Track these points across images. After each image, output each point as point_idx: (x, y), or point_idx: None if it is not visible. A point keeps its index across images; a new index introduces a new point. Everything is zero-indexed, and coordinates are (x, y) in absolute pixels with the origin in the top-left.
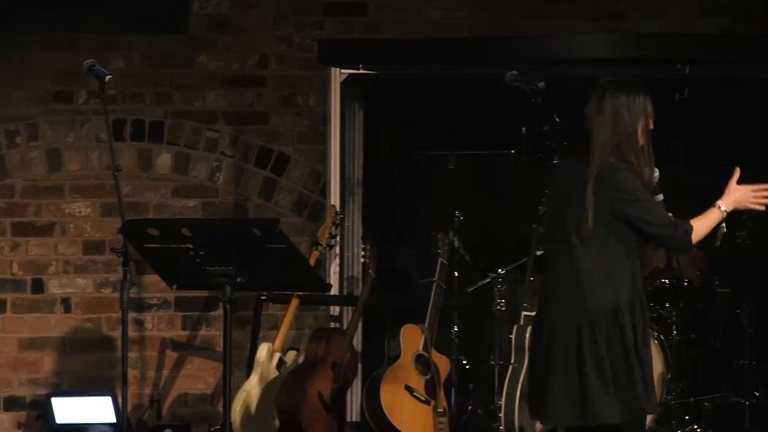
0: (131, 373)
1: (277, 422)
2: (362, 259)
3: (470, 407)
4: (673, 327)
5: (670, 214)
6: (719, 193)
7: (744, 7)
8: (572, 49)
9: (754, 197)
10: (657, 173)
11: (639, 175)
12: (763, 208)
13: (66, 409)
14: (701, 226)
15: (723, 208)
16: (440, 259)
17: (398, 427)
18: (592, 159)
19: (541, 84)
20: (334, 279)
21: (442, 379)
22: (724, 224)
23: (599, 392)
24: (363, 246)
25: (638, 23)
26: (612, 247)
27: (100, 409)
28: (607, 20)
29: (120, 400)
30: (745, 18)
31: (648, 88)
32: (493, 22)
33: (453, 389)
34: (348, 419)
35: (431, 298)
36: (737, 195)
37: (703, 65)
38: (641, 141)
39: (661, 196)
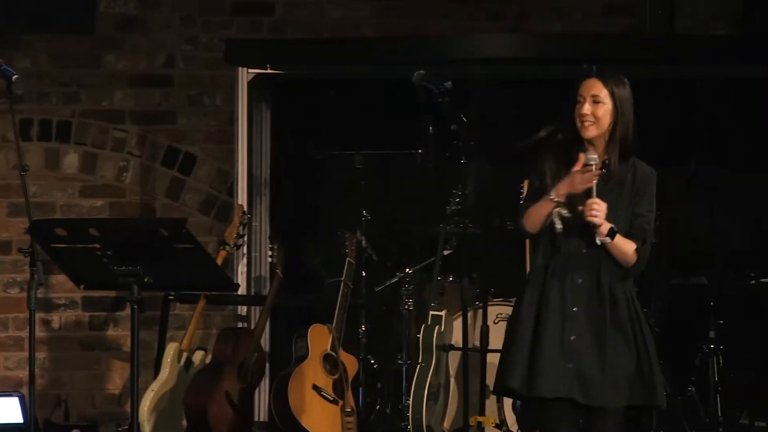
0: (39, 373)
1: (184, 422)
2: (270, 259)
3: (378, 406)
4: None
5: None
6: None
7: (649, 7)
8: (477, 49)
9: (581, 179)
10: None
11: None
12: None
13: None
14: (533, 210)
15: (551, 196)
16: (348, 259)
17: (306, 426)
18: None
19: (448, 84)
20: (241, 279)
21: (350, 378)
22: (559, 209)
23: None
24: (270, 246)
25: (542, 23)
26: None
27: (7, 409)
28: (511, 20)
29: (27, 400)
30: (650, 17)
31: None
32: (397, 21)
33: (361, 389)
34: (256, 419)
35: (339, 298)
36: (566, 181)
37: (609, 65)
38: None
39: None
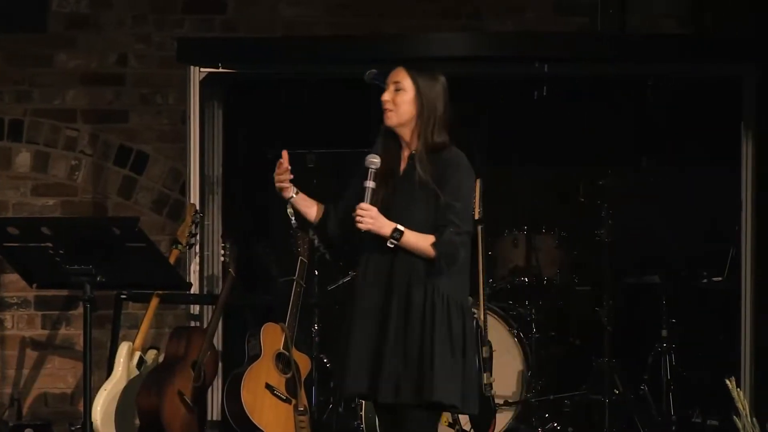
0: None
1: (137, 422)
2: (222, 258)
3: (331, 406)
4: (533, 325)
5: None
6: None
7: (600, 6)
8: (430, 47)
9: (276, 179)
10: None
11: None
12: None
13: None
14: None
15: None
16: (300, 258)
17: (259, 425)
18: None
19: None
20: (194, 278)
21: (303, 377)
22: (288, 207)
23: None
24: (223, 245)
25: (495, 21)
26: None
27: None
28: (464, 18)
29: None
30: (601, 16)
31: (507, 87)
32: (350, 20)
33: (314, 388)
34: (209, 418)
35: (291, 297)
36: None
37: (561, 64)
38: None
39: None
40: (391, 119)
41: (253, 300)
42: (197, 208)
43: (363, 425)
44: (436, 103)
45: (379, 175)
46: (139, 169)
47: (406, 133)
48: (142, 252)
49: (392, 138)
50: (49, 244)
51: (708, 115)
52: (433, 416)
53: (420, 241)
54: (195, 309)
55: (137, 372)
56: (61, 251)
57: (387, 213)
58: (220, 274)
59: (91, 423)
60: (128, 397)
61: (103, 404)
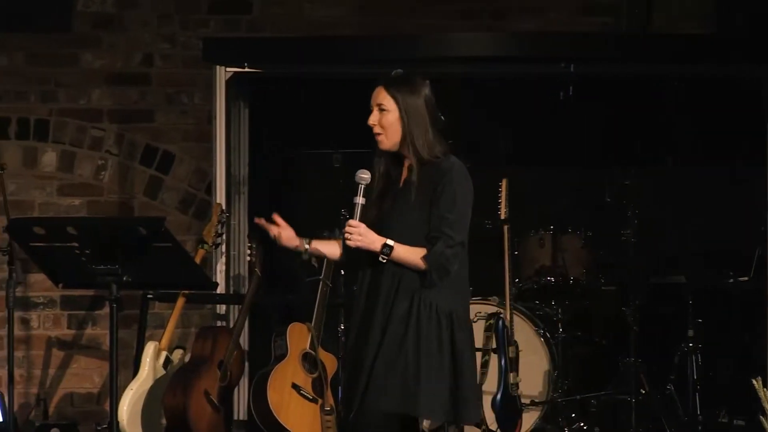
0: (17, 372)
1: (164, 421)
2: (248, 258)
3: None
4: (559, 325)
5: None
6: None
7: (626, 6)
8: (454, 47)
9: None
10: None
11: None
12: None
13: None
14: None
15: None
16: (326, 258)
17: (285, 425)
18: None
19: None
20: (220, 277)
21: (329, 377)
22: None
23: None
24: (249, 244)
25: (518, 21)
26: None
27: None
28: (488, 18)
29: (6, 399)
30: (627, 16)
31: (530, 87)
32: (375, 20)
33: (340, 387)
34: (235, 418)
35: (318, 297)
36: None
37: (587, 64)
38: None
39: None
40: (383, 143)
41: (280, 300)
42: (223, 207)
43: None
44: (421, 115)
45: (379, 196)
46: (165, 168)
47: (403, 150)
48: (169, 252)
49: (389, 155)
50: (75, 244)
51: (733, 115)
52: (411, 427)
53: (411, 254)
54: (221, 309)
55: (163, 372)
56: (87, 251)
57: (387, 225)
58: (247, 274)
59: (118, 423)
60: (154, 397)
61: (130, 404)
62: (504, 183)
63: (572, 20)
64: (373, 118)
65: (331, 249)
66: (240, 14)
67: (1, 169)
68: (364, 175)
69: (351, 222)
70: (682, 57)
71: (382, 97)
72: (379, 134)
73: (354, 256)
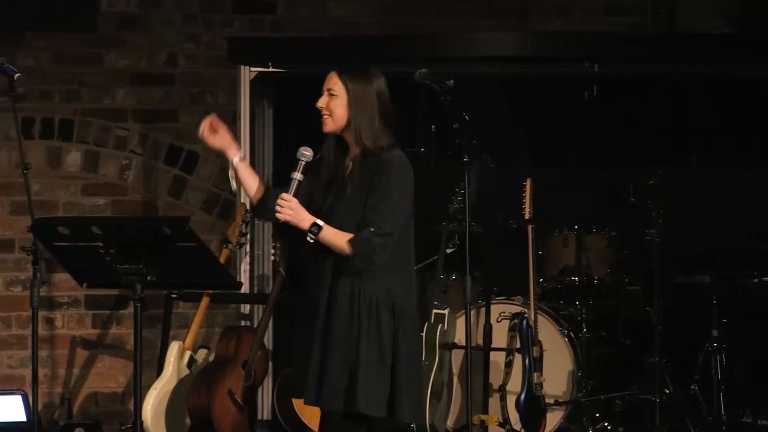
0: (42, 371)
1: (188, 421)
2: (273, 257)
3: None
4: (583, 325)
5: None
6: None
7: (650, 6)
8: (478, 47)
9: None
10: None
11: None
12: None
13: None
14: None
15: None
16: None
17: (310, 425)
18: None
19: (450, 82)
20: (244, 277)
21: None
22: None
23: None
24: (273, 244)
25: (543, 21)
26: None
27: (10, 407)
28: (512, 18)
29: (30, 398)
30: (651, 16)
31: (555, 87)
32: (399, 20)
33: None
34: (259, 417)
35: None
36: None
37: (611, 64)
38: None
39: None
40: (328, 125)
41: (304, 299)
42: (247, 207)
43: (413, 425)
44: (368, 107)
45: (327, 181)
46: (190, 168)
47: (348, 137)
48: (193, 252)
49: (337, 141)
50: (100, 244)
51: (758, 114)
52: (358, 422)
53: (338, 237)
54: (245, 308)
55: (187, 371)
56: (111, 251)
57: (329, 215)
58: (271, 274)
59: (142, 422)
60: (178, 397)
61: (154, 403)
62: (528, 183)
63: (596, 20)
64: (322, 101)
65: (252, 182)
66: (264, 14)
67: (26, 168)
68: (306, 152)
69: (284, 195)
70: (706, 56)
71: (333, 83)
72: (326, 116)
73: (270, 207)
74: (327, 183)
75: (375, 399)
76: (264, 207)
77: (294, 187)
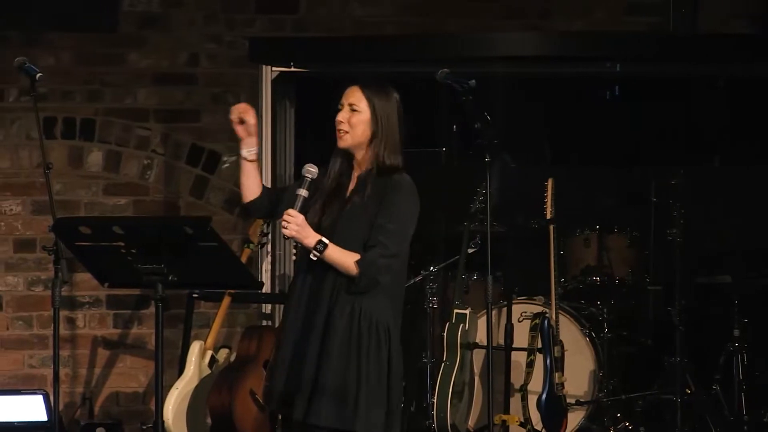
0: (63, 371)
1: (209, 421)
2: (294, 257)
3: (402, 405)
4: (605, 324)
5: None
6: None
7: (672, 6)
8: (500, 46)
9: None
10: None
11: None
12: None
13: None
14: None
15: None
16: None
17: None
18: None
19: (472, 82)
20: (265, 277)
21: None
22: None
23: None
24: (295, 244)
25: (564, 21)
26: None
27: (31, 407)
28: (533, 18)
29: (52, 398)
30: (673, 16)
31: (577, 87)
32: (420, 20)
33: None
34: (280, 417)
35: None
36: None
37: (633, 63)
38: None
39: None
40: (345, 141)
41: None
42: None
43: (435, 425)
44: (391, 124)
45: (328, 196)
46: (211, 168)
47: (359, 154)
48: (214, 251)
49: (345, 158)
50: (121, 244)
51: None
52: None
53: (344, 257)
54: (267, 308)
55: (209, 371)
56: (133, 250)
57: (333, 230)
58: (292, 273)
59: (163, 422)
60: (200, 397)
61: (175, 403)
62: (550, 183)
63: (618, 20)
64: (343, 116)
65: (253, 183)
66: (286, 14)
67: (48, 168)
68: (312, 169)
69: (290, 211)
70: (728, 56)
71: (357, 99)
72: (344, 132)
73: (260, 208)
74: (326, 199)
75: (373, 419)
76: (256, 206)
77: (299, 204)
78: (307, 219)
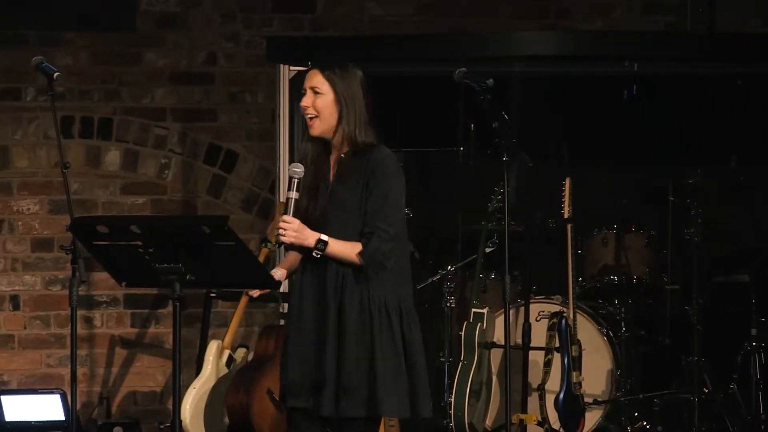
0: (80, 370)
1: (227, 420)
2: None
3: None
4: (622, 324)
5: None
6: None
7: (690, 5)
8: (518, 46)
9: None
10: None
11: None
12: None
13: (15, 407)
14: None
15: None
16: None
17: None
18: None
19: (490, 81)
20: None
21: None
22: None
23: None
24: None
25: (583, 20)
26: None
27: (49, 406)
28: (552, 17)
29: (69, 397)
30: (691, 15)
31: (595, 86)
32: (438, 19)
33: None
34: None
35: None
36: None
37: (651, 62)
38: None
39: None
40: (316, 128)
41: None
42: (285, 210)
43: (452, 424)
44: (357, 101)
45: (310, 186)
46: (229, 167)
47: (334, 138)
48: (232, 251)
49: (320, 144)
50: (139, 243)
51: None
52: (373, 426)
53: (346, 250)
54: (284, 307)
55: (226, 370)
56: (150, 250)
57: (325, 224)
58: None
59: (180, 421)
60: (217, 396)
61: (192, 402)
62: (567, 182)
63: (636, 19)
64: (307, 101)
65: (292, 261)
66: (303, 13)
67: (65, 167)
68: (297, 169)
69: (285, 218)
70: (746, 56)
71: (318, 81)
72: (312, 117)
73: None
74: (310, 189)
75: (396, 401)
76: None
77: (292, 207)
78: (297, 211)
